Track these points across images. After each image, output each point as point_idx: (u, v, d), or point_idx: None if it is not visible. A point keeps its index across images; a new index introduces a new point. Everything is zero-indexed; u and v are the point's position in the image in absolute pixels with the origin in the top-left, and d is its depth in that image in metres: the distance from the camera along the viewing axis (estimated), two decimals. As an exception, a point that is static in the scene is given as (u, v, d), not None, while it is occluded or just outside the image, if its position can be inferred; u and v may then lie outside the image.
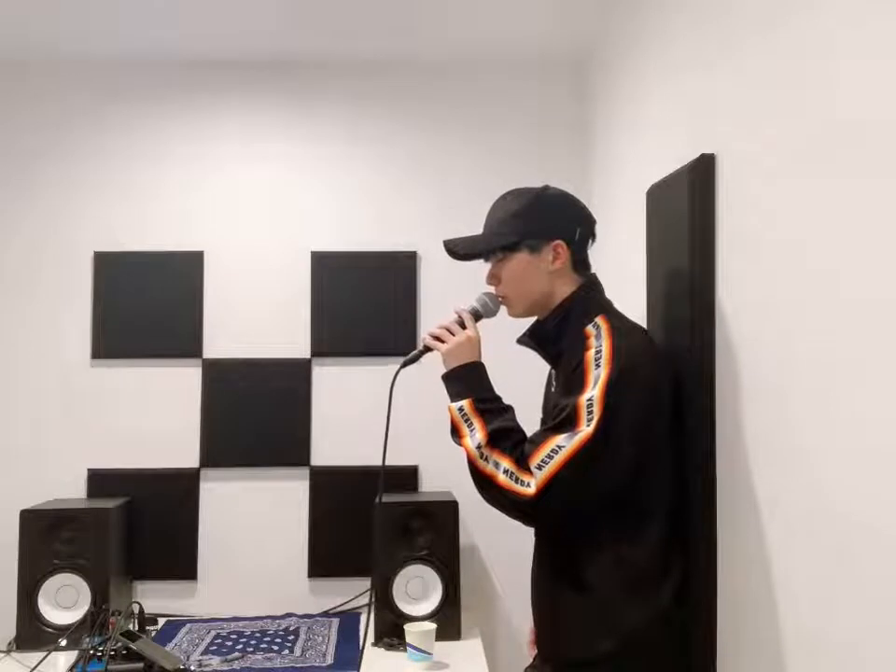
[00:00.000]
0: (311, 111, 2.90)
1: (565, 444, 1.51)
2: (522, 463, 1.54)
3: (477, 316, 1.76)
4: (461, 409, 1.64)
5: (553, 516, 1.59)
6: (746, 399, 1.50)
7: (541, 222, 1.69)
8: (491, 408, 1.64)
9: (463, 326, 1.73)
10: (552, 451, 1.51)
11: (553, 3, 2.47)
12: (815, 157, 1.25)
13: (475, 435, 1.60)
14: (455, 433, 1.64)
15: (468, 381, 1.68)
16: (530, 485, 1.52)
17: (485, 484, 1.58)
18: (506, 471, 1.55)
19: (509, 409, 1.66)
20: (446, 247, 1.76)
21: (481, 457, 1.58)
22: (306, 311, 2.85)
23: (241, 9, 2.49)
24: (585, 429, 1.50)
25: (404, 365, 1.77)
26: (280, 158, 2.89)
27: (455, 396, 1.67)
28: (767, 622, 1.42)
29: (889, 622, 1.06)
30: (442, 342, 1.72)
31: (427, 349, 1.76)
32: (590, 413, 1.51)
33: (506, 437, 1.59)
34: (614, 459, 1.53)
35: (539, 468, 1.51)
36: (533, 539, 1.76)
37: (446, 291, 2.72)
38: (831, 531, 1.21)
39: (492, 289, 1.77)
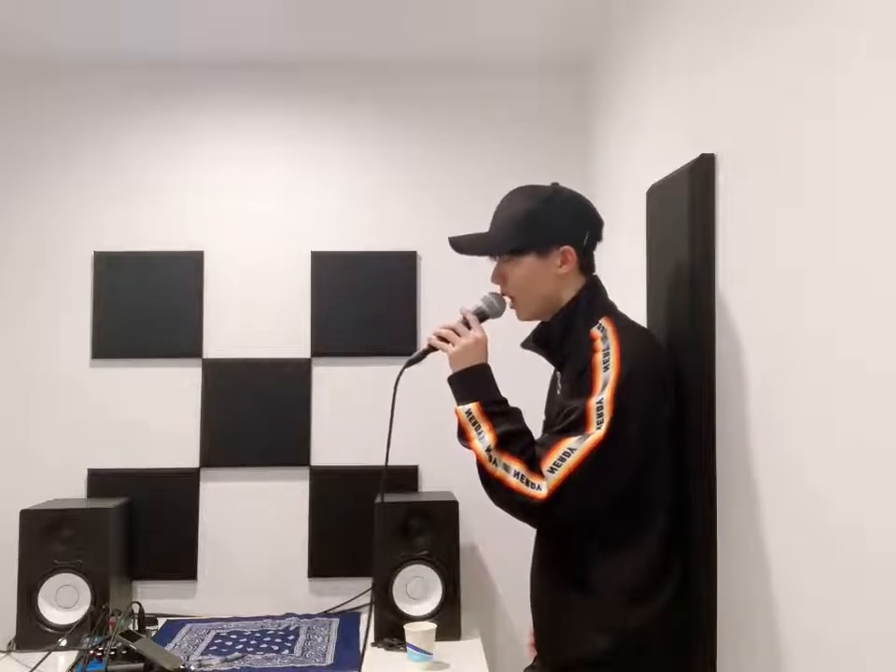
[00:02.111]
0: (311, 112, 2.90)
1: (576, 447, 1.51)
2: (533, 466, 1.54)
3: (483, 317, 1.75)
4: (469, 412, 1.63)
5: (563, 519, 1.58)
6: (746, 399, 1.50)
7: (551, 227, 1.68)
8: (499, 410, 1.63)
9: (469, 327, 1.73)
10: (563, 454, 1.51)
11: (554, 5, 2.47)
12: (815, 156, 1.25)
13: (484, 438, 1.59)
14: (463, 436, 1.64)
15: (475, 384, 1.67)
16: (541, 488, 1.52)
17: (495, 487, 1.58)
18: (516, 474, 1.55)
19: (516, 411, 1.66)
20: (451, 244, 1.75)
21: (490, 460, 1.57)
22: (306, 311, 2.85)
23: (241, 9, 2.49)
24: (596, 432, 1.50)
25: (408, 364, 1.77)
26: (280, 158, 2.89)
27: (462, 399, 1.66)
28: (767, 621, 1.42)
29: (889, 621, 1.06)
30: (448, 342, 1.72)
31: (432, 349, 1.75)
32: (600, 415, 1.51)
33: (515, 440, 1.59)
34: (624, 461, 1.54)
35: (552, 470, 1.51)
36: (533, 539, 1.76)
37: (446, 291, 2.72)
38: (830, 531, 1.21)
39: (497, 289, 1.76)
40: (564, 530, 1.64)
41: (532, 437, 1.61)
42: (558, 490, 1.50)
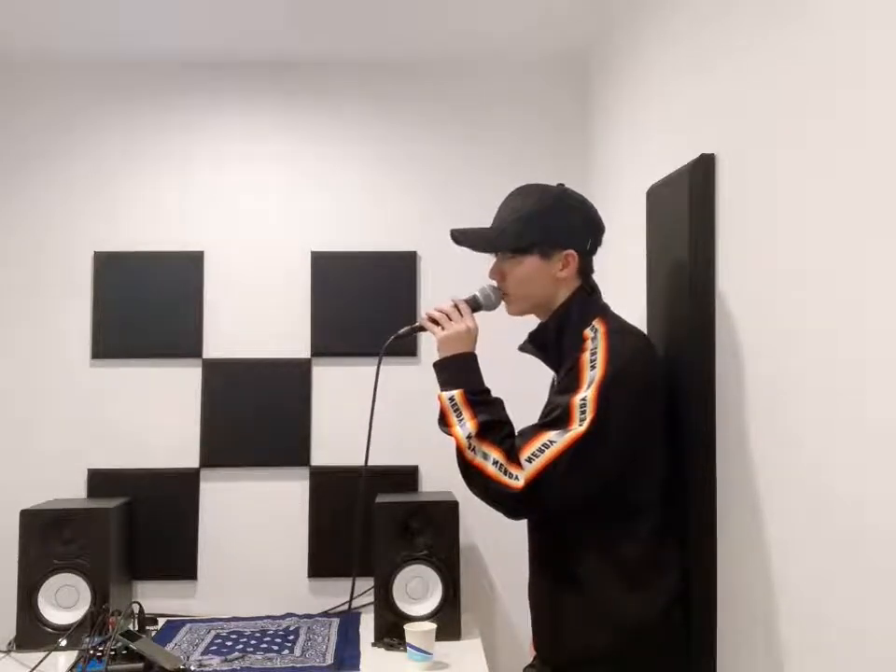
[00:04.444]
0: (311, 111, 2.89)
1: (556, 440, 1.52)
2: (512, 455, 1.55)
3: (476, 307, 1.76)
4: (452, 398, 1.64)
5: (539, 510, 1.60)
6: (746, 398, 1.50)
7: (557, 229, 1.68)
8: (482, 400, 1.64)
9: (461, 314, 1.73)
10: (542, 445, 1.52)
11: (554, 3, 2.47)
12: (815, 157, 1.25)
13: (465, 425, 1.60)
14: (443, 421, 1.65)
15: (461, 371, 1.68)
16: (518, 478, 1.52)
17: (473, 475, 1.58)
18: (495, 462, 1.55)
19: (499, 402, 1.66)
20: (453, 237, 1.74)
21: (469, 448, 1.58)
22: (306, 311, 2.85)
23: (241, 9, 2.49)
24: (577, 428, 1.51)
25: (396, 338, 1.79)
26: (280, 158, 2.89)
27: (446, 385, 1.67)
28: (767, 619, 1.42)
29: (890, 619, 1.06)
30: (439, 326, 1.72)
31: (421, 329, 1.77)
32: (583, 412, 1.51)
33: (496, 429, 1.59)
34: (605, 459, 1.54)
35: (529, 461, 1.52)
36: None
37: (446, 291, 2.70)
38: (831, 529, 1.21)
39: (495, 282, 1.76)
40: (542, 523, 1.66)
41: (513, 428, 1.62)
42: (534, 481, 1.51)
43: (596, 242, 1.73)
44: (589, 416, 1.50)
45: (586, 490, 1.56)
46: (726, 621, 1.59)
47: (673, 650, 1.59)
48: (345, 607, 2.73)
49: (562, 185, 1.74)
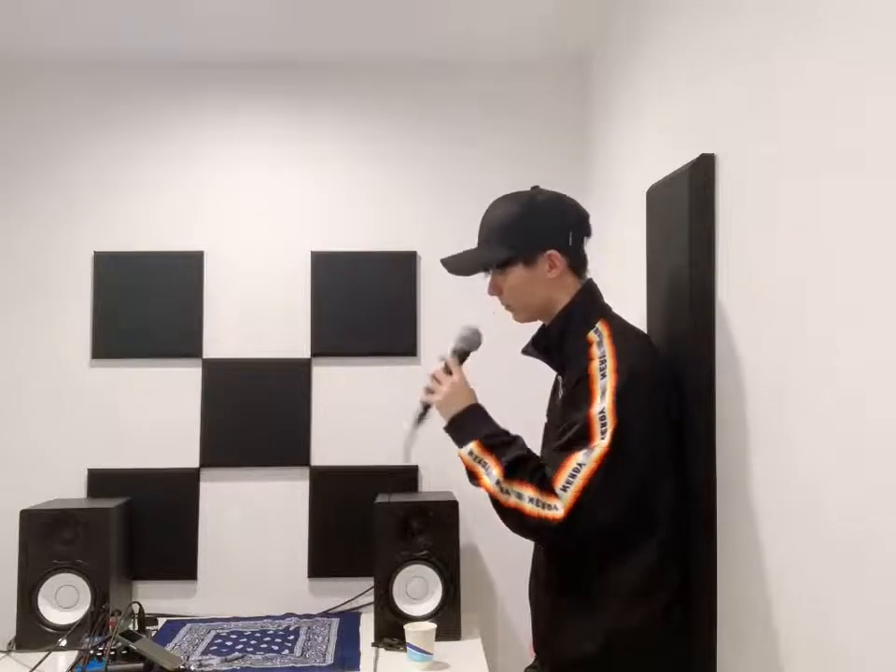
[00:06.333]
0: (310, 111, 2.89)
1: (585, 462, 1.50)
2: (545, 487, 1.53)
3: (464, 355, 1.78)
4: (471, 452, 1.62)
5: (583, 534, 1.55)
6: (746, 400, 1.50)
7: (532, 233, 1.67)
8: (499, 442, 1.62)
9: (449, 371, 1.75)
10: (573, 470, 1.50)
11: (554, 3, 2.47)
12: (815, 157, 1.25)
13: (491, 473, 1.58)
14: (473, 477, 1.63)
15: (469, 425, 1.67)
16: (558, 508, 1.51)
17: (512, 516, 1.56)
18: (531, 500, 1.53)
19: (517, 439, 1.65)
20: (445, 266, 1.76)
21: (502, 492, 1.56)
22: (306, 311, 2.85)
23: (241, 10, 2.49)
24: (601, 444, 1.50)
25: (415, 425, 1.80)
26: (280, 158, 2.89)
27: (461, 442, 1.66)
28: (767, 624, 1.42)
29: (889, 623, 1.06)
30: (434, 394, 1.74)
31: (426, 406, 1.79)
32: (603, 425, 1.50)
33: (522, 466, 1.57)
34: (632, 468, 1.53)
35: (564, 489, 1.50)
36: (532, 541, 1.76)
37: (446, 291, 2.71)
38: (830, 535, 1.21)
39: (468, 322, 1.79)
40: (583, 546, 1.60)
41: (538, 460, 1.60)
42: (574, 507, 1.49)
43: (580, 232, 1.72)
44: (610, 428, 1.49)
45: (623, 501, 1.54)
46: (726, 621, 1.59)
47: (673, 650, 1.59)
48: (345, 607, 2.74)
49: (536, 186, 1.74)
